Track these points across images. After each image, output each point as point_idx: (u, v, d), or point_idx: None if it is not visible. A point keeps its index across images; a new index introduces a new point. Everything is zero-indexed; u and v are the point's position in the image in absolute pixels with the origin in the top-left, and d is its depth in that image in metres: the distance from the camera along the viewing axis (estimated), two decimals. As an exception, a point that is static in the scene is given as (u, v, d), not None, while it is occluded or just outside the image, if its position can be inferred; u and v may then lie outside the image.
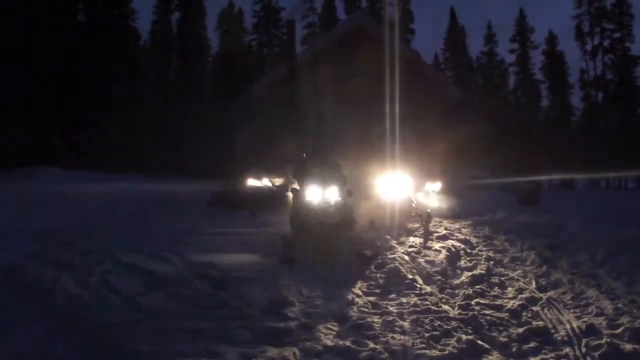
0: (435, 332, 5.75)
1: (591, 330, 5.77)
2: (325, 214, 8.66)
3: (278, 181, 16.91)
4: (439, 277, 7.82)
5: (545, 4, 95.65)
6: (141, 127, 38.20)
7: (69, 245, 9.35)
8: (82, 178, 24.38)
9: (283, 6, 51.93)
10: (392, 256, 8.52)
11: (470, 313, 6.35)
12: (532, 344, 5.53)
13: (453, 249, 9.30)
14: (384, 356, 5.28)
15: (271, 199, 16.20)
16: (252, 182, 16.47)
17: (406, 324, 5.94)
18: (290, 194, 9.85)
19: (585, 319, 6.16)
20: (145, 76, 43.43)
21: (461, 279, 7.78)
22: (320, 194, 8.76)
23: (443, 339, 5.62)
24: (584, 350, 5.41)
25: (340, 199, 8.87)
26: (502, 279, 7.93)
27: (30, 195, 17.45)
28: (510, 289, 7.50)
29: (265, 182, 16.63)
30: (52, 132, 32.20)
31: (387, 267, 7.85)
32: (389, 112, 20.87)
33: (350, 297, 6.80)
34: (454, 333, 5.74)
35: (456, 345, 5.47)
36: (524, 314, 6.36)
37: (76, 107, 33.97)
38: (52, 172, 24.52)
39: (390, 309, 6.51)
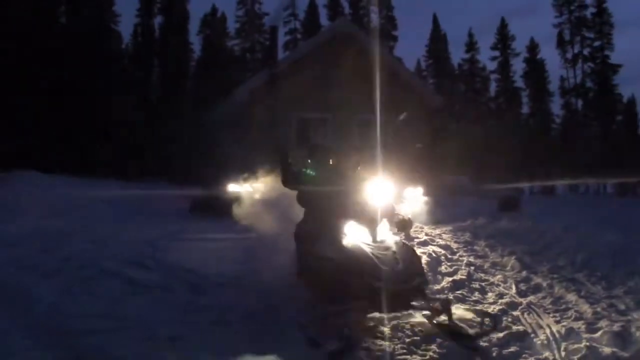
0: (415, 338, 5.75)
1: (571, 334, 5.81)
2: (383, 265, 5.64)
3: (260, 186, 16.87)
4: (420, 282, 7.83)
5: (527, 12, 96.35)
6: (121, 131, 37.98)
7: (47, 252, 9.28)
8: (60, 183, 24.16)
9: (266, 12, 51.90)
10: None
11: (451, 318, 6.36)
12: (512, 349, 5.55)
13: (434, 255, 9.33)
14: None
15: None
16: (233, 187, 16.41)
17: (386, 330, 5.94)
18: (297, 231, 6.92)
19: (564, 323, 6.19)
20: (127, 80, 43.20)
21: (442, 285, 7.80)
22: (362, 231, 6.06)
23: (423, 345, 5.62)
24: (563, 354, 5.44)
25: (397, 238, 6.44)
26: (483, 284, 7.96)
27: (6, 199, 17.28)
28: (490, 294, 7.53)
29: (246, 187, 16.57)
30: (31, 135, 31.90)
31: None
32: (370, 118, 20.96)
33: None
34: (436, 338, 5.74)
35: (437, 350, 5.48)
36: (504, 318, 6.38)
37: (56, 111, 33.69)
38: (30, 177, 24.26)
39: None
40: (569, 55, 52.08)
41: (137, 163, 36.78)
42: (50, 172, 26.93)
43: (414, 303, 5.87)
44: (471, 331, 5.83)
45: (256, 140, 19.73)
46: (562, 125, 54.03)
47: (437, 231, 12.27)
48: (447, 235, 11.71)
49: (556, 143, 50.71)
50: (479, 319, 6.10)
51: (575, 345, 5.51)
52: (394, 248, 5.96)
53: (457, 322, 5.87)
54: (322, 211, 6.47)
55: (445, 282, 7.89)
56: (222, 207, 16.08)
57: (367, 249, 5.79)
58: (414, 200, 15.56)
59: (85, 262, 8.45)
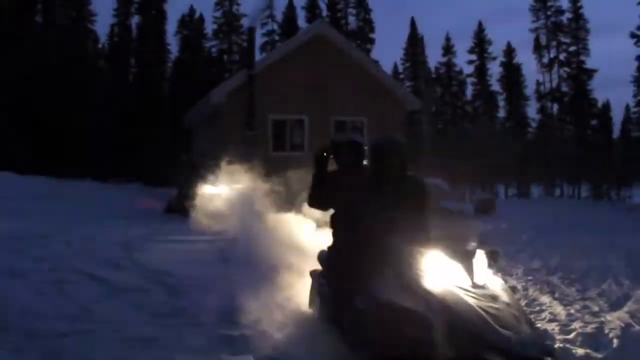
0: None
1: (544, 336, 5.82)
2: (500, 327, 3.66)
3: (236, 188, 16.81)
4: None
5: (504, 16, 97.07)
6: (98, 132, 37.78)
7: (21, 252, 9.17)
8: (35, 184, 23.98)
9: (244, 13, 51.77)
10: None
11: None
12: (486, 350, 5.54)
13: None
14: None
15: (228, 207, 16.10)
16: (209, 189, 16.33)
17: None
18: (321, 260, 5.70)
19: (538, 325, 6.20)
20: (103, 80, 42.98)
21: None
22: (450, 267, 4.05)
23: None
24: (537, 355, 5.44)
25: (500, 279, 4.56)
26: (458, 286, 7.95)
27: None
28: (465, 296, 7.52)
29: (222, 189, 16.50)
30: (6, 136, 31.63)
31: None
32: (347, 120, 21.00)
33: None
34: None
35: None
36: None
37: (31, 112, 33.44)
38: (5, 178, 24.04)
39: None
40: (545, 60, 52.47)
41: (112, 164, 36.62)
42: (25, 173, 26.73)
43: None
44: None
45: (233, 141, 19.66)
46: (538, 129, 54.43)
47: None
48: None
49: (532, 147, 51.07)
50: None
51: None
52: (505, 298, 4.03)
53: None
54: (376, 235, 4.46)
55: (421, 284, 7.87)
56: (197, 209, 16.01)
57: (469, 299, 3.81)
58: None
59: (59, 264, 8.36)
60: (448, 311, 3.67)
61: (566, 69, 51.81)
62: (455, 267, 4.01)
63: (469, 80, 56.39)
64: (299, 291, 6.46)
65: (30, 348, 5.13)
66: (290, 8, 53.04)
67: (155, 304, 6.61)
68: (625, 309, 6.77)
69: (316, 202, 5.46)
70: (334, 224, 5.28)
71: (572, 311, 6.62)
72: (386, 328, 3.81)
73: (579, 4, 50.80)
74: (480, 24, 56.09)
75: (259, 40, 50.84)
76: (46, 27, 38.82)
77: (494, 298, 3.90)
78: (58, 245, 10.05)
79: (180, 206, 16.99)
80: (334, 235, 5.28)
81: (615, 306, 6.93)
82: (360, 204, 4.71)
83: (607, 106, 52.93)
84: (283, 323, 5.69)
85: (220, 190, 16.37)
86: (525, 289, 7.79)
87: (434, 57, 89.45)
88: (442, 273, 3.95)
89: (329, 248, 5.34)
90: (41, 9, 40.04)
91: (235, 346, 5.30)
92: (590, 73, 50.63)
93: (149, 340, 5.40)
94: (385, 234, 4.33)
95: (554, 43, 52.19)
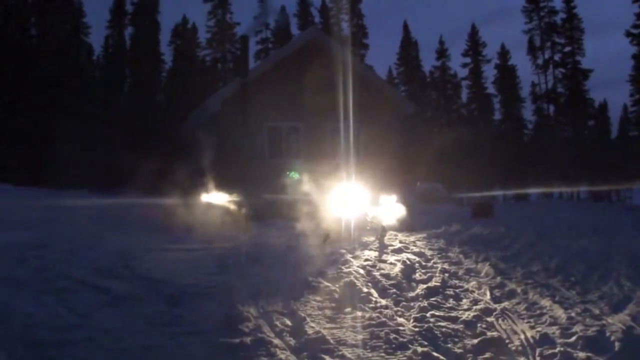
0: (391, 345, 5.70)
1: (545, 340, 5.78)
2: None
3: (232, 196, 16.81)
4: (394, 290, 7.78)
5: (498, 18, 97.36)
6: (93, 142, 37.73)
7: (22, 263, 9.14)
8: (34, 195, 23.95)
9: (237, 21, 51.84)
10: (347, 270, 8.47)
11: (426, 325, 6.32)
12: (486, 355, 5.51)
13: (408, 262, 9.30)
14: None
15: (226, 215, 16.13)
16: (205, 197, 16.35)
17: (361, 337, 5.88)
18: None
19: (539, 329, 6.17)
20: (98, 91, 43.01)
21: (416, 292, 7.75)
22: None
23: (399, 352, 5.57)
24: (538, 359, 5.41)
25: None
26: (457, 290, 7.92)
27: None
28: (465, 300, 7.49)
29: (219, 197, 16.51)
30: (1, 148, 31.61)
31: (343, 280, 7.79)
32: (343, 126, 20.99)
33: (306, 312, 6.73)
34: (410, 345, 5.68)
35: (413, 357, 5.42)
36: (479, 325, 6.35)
37: (27, 123, 33.42)
38: (3, 190, 24.02)
39: (346, 323, 6.45)
40: (540, 61, 52.53)
41: (110, 174, 36.56)
42: (23, 184, 26.73)
43: None
44: None
45: (229, 149, 19.65)
46: (534, 130, 54.44)
47: (412, 238, 12.27)
48: (421, 243, 11.72)
49: (528, 149, 51.10)
50: None
51: (550, 351, 5.49)
52: None
53: None
54: None
55: (420, 289, 7.84)
56: (195, 217, 16.02)
57: None
58: (388, 208, 15.55)
59: (60, 273, 8.33)
60: None
61: (561, 69, 51.87)
62: None
63: (464, 83, 56.50)
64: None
65: (30, 356, 5.12)
66: (284, 15, 53.16)
67: (155, 312, 6.59)
68: (627, 311, 6.75)
69: None
70: None
71: (572, 314, 6.61)
72: None
73: (572, 4, 50.83)
74: (473, 27, 56.30)
75: (252, 48, 50.95)
76: (40, 39, 38.80)
77: None
78: (57, 255, 10.01)
79: (178, 215, 17.00)
80: None
81: (616, 309, 6.91)
82: None
83: (604, 106, 53.09)
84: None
85: (217, 199, 16.41)
86: (525, 292, 7.76)
87: (428, 60, 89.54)
88: None
89: None
90: (35, 22, 39.99)
91: (235, 354, 5.28)
92: (586, 73, 50.63)
93: (149, 349, 5.39)
94: None
95: (549, 44, 52.24)
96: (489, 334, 6.05)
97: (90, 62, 45.70)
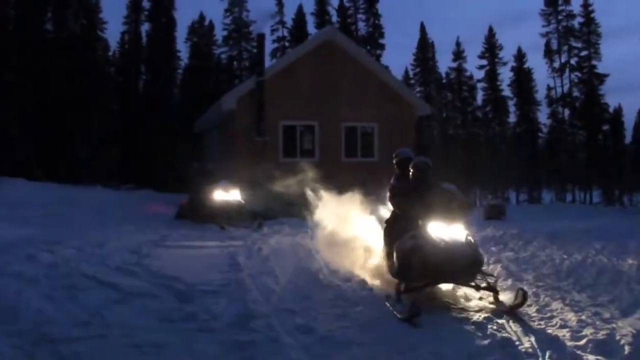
0: (399, 347, 5.72)
1: (555, 342, 5.79)
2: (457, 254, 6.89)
3: (246, 193, 16.86)
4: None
5: (515, 21, 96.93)
6: (108, 138, 37.94)
7: (33, 258, 9.22)
8: (48, 191, 24.05)
9: (254, 19, 51.80)
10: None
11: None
12: (496, 356, 5.52)
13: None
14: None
15: (239, 213, 16.19)
16: (219, 194, 16.39)
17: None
18: (385, 227, 8.52)
19: (549, 331, 6.18)
20: (114, 87, 43.17)
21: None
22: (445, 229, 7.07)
23: (407, 352, 5.59)
24: (547, 361, 5.43)
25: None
26: (468, 292, 7.93)
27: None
28: (476, 302, 7.51)
29: (233, 194, 16.56)
30: (17, 143, 31.76)
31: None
32: (357, 126, 21.02)
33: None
34: (418, 346, 5.70)
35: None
36: (489, 326, 6.36)
37: (42, 119, 33.57)
38: (18, 185, 24.12)
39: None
40: (556, 65, 52.22)
41: (124, 171, 36.73)
42: (38, 180, 26.85)
43: None
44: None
45: (244, 147, 19.73)
46: (549, 134, 54.16)
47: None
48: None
49: (543, 152, 50.89)
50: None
51: (560, 353, 5.49)
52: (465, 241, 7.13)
53: None
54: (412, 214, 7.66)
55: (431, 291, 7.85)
56: (208, 215, 16.10)
57: (441, 243, 6.95)
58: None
59: (71, 269, 8.42)
60: (427, 248, 6.87)
61: (577, 73, 51.50)
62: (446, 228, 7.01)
63: (480, 85, 56.26)
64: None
65: (42, 353, 5.16)
66: (300, 14, 53.06)
67: (166, 309, 6.63)
68: (637, 315, 6.76)
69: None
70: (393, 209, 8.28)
71: (583, 317, 6.61)
72: (406, 257, 7.10)
73: (590, 8, 50.48)
74: (490, 29, 55.91)
75: (269, 46, 50.88)
76: (56, 34, 38.95)
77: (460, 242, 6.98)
78: (69, 251, 10.10)
79: (191, 212, 17.08)
80: (391, 214, 8.46)
81: (626, 312, 6.91)
82: (407, 197, 7.93)
83: (618, 111, 52.62)
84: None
85: (231, 196, 16.45)
86: (537, 295, 7.75)
87: (444, 62, 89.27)
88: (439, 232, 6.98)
89: (386, 221, 8.50)
90: (51, 17, 40.14)
91: (246, 352, 5.31)
92: (601, 78, 50.26)
93: (160, 346, 5.42)
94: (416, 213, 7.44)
95: (565, 48, 51.96)
96: (499, 335, 6.02)
97: (106, 58, 45.82)
